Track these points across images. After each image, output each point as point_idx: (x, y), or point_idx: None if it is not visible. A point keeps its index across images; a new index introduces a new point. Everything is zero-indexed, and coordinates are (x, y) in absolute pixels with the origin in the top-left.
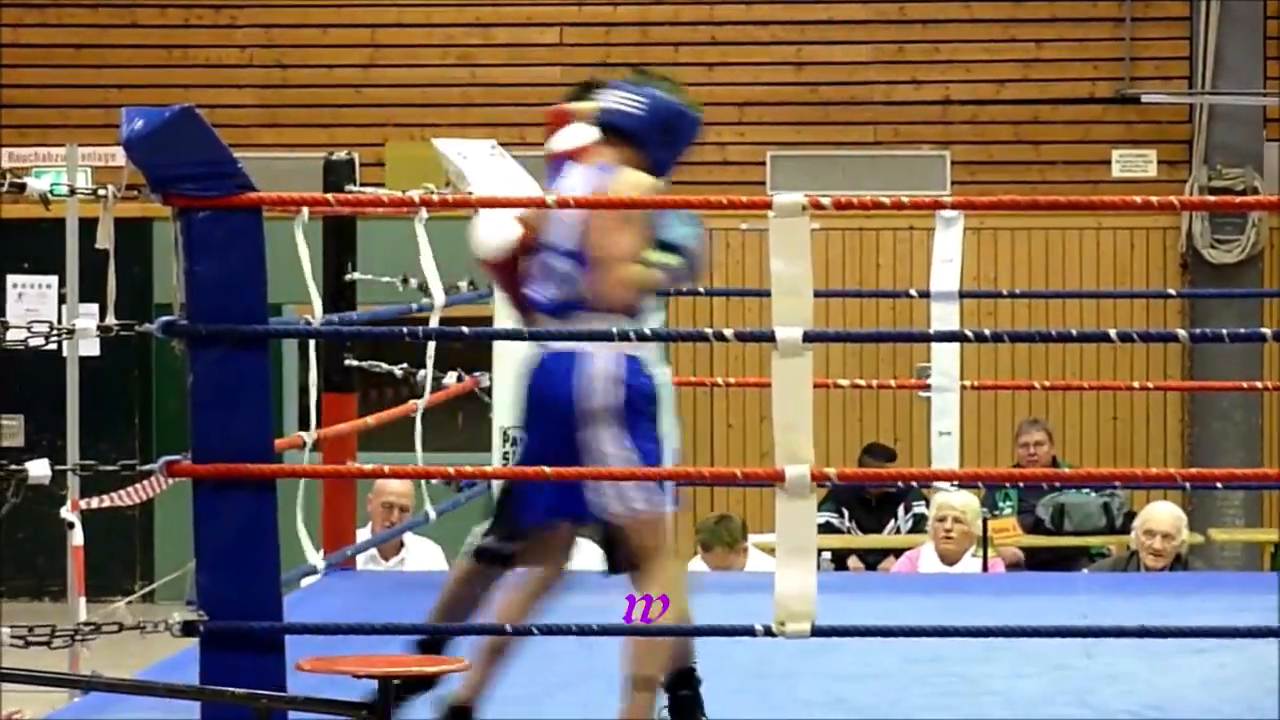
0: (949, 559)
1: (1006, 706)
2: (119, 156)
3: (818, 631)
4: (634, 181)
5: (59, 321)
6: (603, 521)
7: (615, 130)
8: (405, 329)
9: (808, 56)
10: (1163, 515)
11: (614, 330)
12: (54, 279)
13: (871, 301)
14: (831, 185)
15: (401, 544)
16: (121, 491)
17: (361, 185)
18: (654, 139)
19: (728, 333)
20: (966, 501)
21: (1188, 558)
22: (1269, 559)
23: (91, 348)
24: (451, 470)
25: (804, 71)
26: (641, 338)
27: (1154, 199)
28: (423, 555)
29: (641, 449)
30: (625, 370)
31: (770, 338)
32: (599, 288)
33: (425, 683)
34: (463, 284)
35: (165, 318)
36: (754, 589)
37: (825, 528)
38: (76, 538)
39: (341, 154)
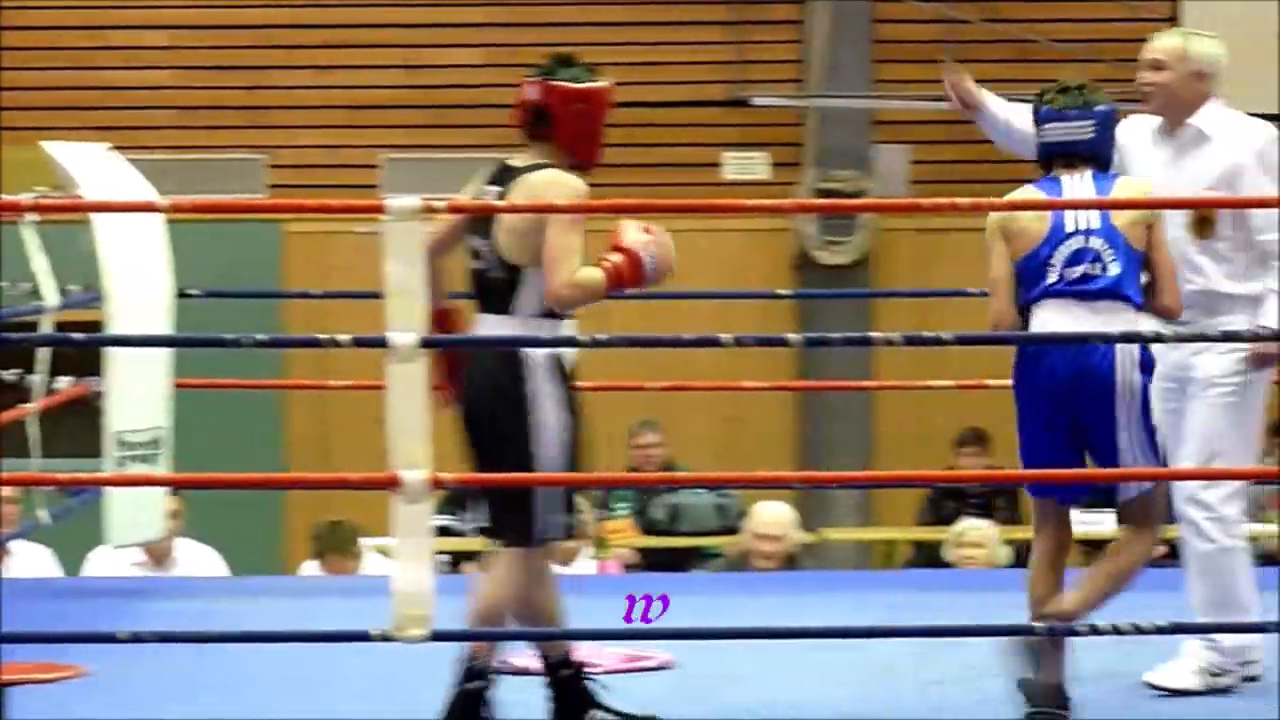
0: (567, 560)
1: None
2: None
3: (436, 636)
4: (1141, 186)
5: None
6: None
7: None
8: (16, 335)
9: (419, 59)
10: (771, 517)
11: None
12: None
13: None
14: (447, 189)
15: (7, 551)
16: None
17: None
18: (1108, 147)
19: (343, 338)
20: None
21: (800, 557)
22: (881, 557)
23: None
24: (64, 476)
25: (416, 74)
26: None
27: (765, 202)
28: (30, 561)
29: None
30: (1140, 354)
31: (384, 343)
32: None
33: None
34: (74, 287)
35: None
36: (374, 593)
37: (444, 531)
38: None
39: None
